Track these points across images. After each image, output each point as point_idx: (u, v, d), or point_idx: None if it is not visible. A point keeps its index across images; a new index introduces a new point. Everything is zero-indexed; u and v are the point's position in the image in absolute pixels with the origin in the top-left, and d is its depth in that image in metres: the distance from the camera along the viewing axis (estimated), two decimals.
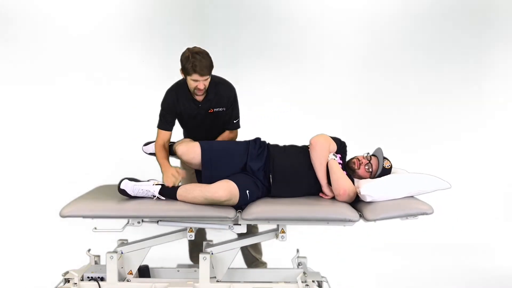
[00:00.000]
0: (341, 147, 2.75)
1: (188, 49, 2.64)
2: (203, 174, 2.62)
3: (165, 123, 2.84)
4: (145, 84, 4.47)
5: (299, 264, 2.82)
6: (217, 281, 2.58)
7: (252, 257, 3.19)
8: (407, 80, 4.59)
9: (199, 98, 2.76)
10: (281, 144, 2.89)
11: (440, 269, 3.68)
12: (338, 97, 4.56)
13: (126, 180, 2.51)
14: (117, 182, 2.53)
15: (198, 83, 2.62)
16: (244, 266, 3.22)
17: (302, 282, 2.50)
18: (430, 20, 4.54)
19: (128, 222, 2.52)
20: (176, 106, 2.80)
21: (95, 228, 2.53)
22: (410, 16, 4.55)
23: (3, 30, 4.39)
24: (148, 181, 2.56)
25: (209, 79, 2.67)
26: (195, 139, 2.85)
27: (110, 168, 4.29)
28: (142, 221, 2.49)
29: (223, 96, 2.81)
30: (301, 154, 2.70)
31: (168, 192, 2.50)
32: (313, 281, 2.53)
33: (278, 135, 3.10)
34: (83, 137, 4.42)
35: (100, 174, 4.17)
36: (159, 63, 4.47)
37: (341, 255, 3.89)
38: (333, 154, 2.66)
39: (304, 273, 2.67)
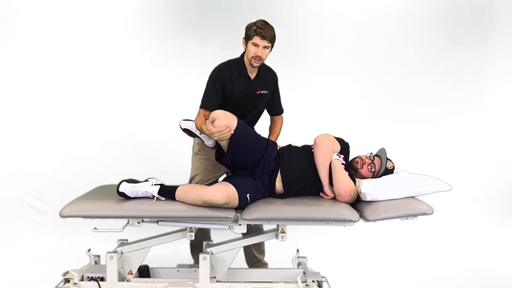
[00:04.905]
0: (344, 148, 2.75)
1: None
2: (226, 153, 2.58)
3: (210, 102, 2.75)
4: (145, 83, 4.46)
5: (299, 264, 2.82)
6: (217, 281, 2.58)
7: (255, 257, 3.19)
8: (407, 78, 4.59)
9: (256, 63, 2.71)
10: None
11: (440, 270, 3.68)
12: (339, 97, 4.57)
13: (124, 183, 2.51)
14: (116, 182, 2.53)
15: (258, 48, 2.64)
16: (244, 266, 3.22)
17: (302, 282, 2.50)
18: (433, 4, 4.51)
19: (128, 222, 2.51)
20: (228, 83, 2.77)
21: (95, 228, 2.52)
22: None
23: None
24: (146, 180, 2.55)
25: (268, 51, 2.71)
26: None
27: (110, 168, 4.29)
28: (142, 221, 2.48)
29: (270, 80, 2.93)
30: (305, 156, 2.70)
31: (167, 192, 2.50)
32: (313, 281, 2.52)
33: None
34: (83, 137, 4.41)
35: (100, 174, 4.17)
36: (158, 66, 4.47)
37: (341, 255, 3.89)
38: (337, 154, 2.65)
39: (304, 273, 2.66)
